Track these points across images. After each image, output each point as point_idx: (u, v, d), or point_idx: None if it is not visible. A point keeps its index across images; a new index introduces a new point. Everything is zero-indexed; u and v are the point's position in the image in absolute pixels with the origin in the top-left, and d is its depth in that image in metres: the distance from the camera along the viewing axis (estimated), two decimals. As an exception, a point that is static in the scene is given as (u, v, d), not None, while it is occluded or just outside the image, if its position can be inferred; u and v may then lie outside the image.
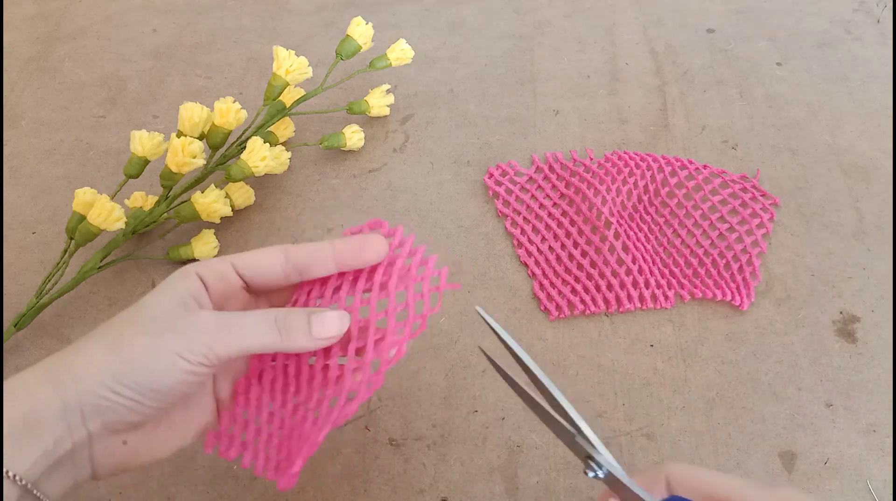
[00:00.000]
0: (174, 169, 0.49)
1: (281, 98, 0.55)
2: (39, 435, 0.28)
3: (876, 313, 0.47)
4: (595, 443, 0.31)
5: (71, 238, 0.48)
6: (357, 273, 0.34)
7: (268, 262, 0.33)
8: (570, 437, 0.31)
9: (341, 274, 0.34)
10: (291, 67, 0.53)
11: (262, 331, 0.31)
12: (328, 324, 0.32)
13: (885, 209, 0.52)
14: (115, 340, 0.30)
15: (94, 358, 0.30)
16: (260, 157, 0.50)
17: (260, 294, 0.35)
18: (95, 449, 0.30)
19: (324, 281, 0.34)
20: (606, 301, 0.47)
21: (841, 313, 0.47)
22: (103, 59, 0.66)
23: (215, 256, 0.51)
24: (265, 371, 0.34)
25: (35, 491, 0.28)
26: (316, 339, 0.32)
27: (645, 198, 0.53)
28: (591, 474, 0.31)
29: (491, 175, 0.55)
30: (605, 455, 0.30)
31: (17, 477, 0.28)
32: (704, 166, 0.55)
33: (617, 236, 0.49)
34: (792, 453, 0.41)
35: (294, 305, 0.34)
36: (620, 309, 0.47)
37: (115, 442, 0.31)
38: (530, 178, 0.55)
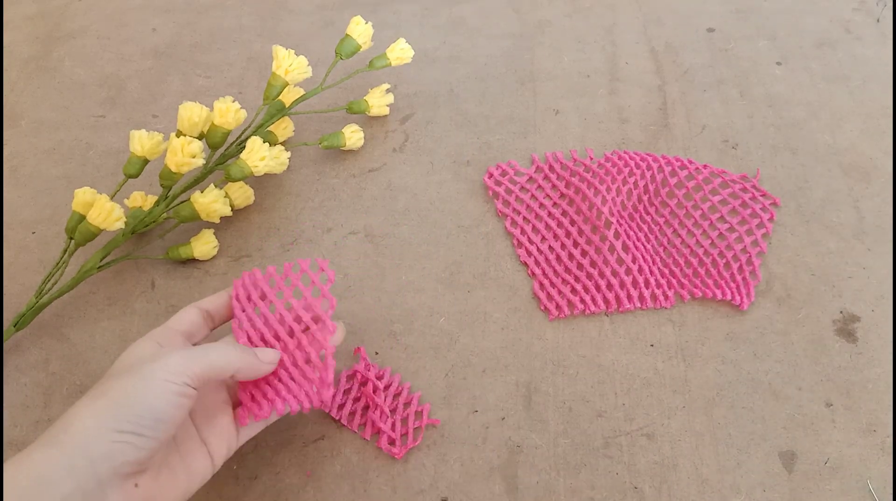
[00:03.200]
0: (174, 169, 0.49)
1: (280, 98, 0.55)
2: (50, 497, 0.29)
3: (876, 312, 0.47)
4: None
5: (71, 238, 0.48)
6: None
7: (192, 316, 0.40)
8: None
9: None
10: (291, 66, 0.53)
11: (224, 347, 0.37)
12: (270, 354, 0.39)
13: (885, 209, 0.52)
14: (99, 392, 0.32)
15: (87, 412, 0.31)
16: (259, 156, 0.50)
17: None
18: (110, 497, 0.31)
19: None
20: (606, 301, 0.47)
21: (841, 312, 0.47)
22: (103, 59, 0.66)
23: (214, 257, 0.51)
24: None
25: None
26: (263, 362, 0.38)
27: (645, 198, 0.53)
28: None
29: (491, 175, 0.55)
30: None
31: None
32: (704, 166, 0.55)
33: (617, 235, 0.49)
34: (792, 453, 0.41)
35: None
36: (620, 309, 0.47)
37: (127, 487, 0.32)
38: (530, 177, 0.55)
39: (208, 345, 0.37)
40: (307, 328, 0.40)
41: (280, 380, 0.39)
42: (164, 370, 0.33)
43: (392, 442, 0.42)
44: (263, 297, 0.41)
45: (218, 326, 0.42)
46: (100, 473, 0.30)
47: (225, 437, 0.38)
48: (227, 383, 0.40)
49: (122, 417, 0.31)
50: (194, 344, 0.39)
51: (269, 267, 0.42)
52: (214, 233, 0.51)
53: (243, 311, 0.41)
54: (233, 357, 0.36)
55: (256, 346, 0.40)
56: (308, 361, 0.39)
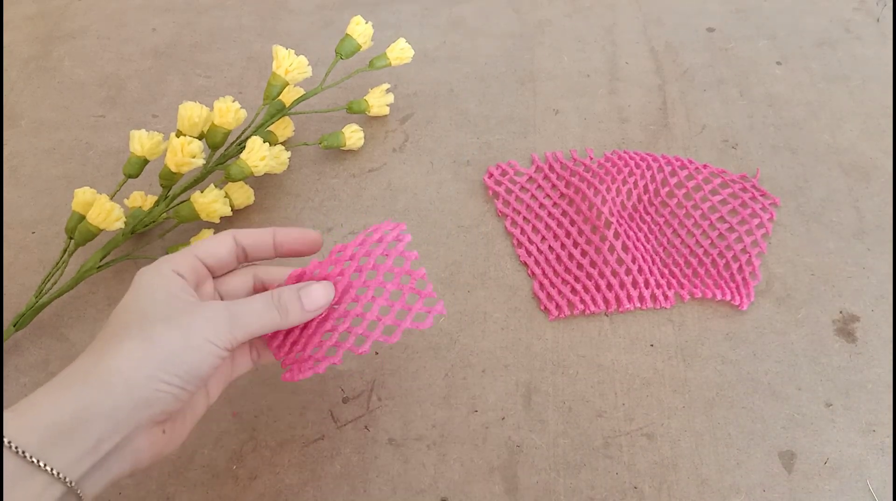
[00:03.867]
0: (173, 169, 0.49)
1: (280, 98, 0.55)
2: (86, 434, 0.29)
3: (876, 312, 0.47)
4: None
5: (70, 238, 0.48)
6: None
7: (223, 248, 0.37)
8: None
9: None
10: (291, 66, 0.53)
11: (265, 313, 0.35)
12: (315, 296, 0.36)
13: (885, 209, 0.52)
14: (148, 336, 0.32)
15: (136, 356, 0.31)
16: (259, 156, 0.50)
17: (217, 278, 0.38)
18: (139, 442, 0.32)
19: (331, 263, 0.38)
20: (606, 301, 0.47)
21: (841, 312, 0.47)
22: (103, 59, 0.66)
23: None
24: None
25: (78, 490, 0.29)
26: (307, 311, 0.36)
27: (645, 198, 0.53)
28: None
29: (491, 175, 0.55)
30: None
31: (61, 475, 0.29)
32: (704, 166, 0.55)
33: (617, 235, 0.49)
34: (792, 452, 0.41)
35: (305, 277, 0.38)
36: (620, 309, 0.47)
37: (156, 433, 0.33)
38: (530, 177, 0.55)
39: (251, 306, 0.35)
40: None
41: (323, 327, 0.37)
42: (212, 332, 0.33)
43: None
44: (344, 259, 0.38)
45: (247, 263, 0.39)
46: (139, 418, 0.31)
47: (223, 376, 0.38)
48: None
49: (171, 370, 0.31)
50: (216, 277, 0.38)
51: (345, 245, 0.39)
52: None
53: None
54: (270, 321, 0.35)
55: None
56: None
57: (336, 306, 0.37)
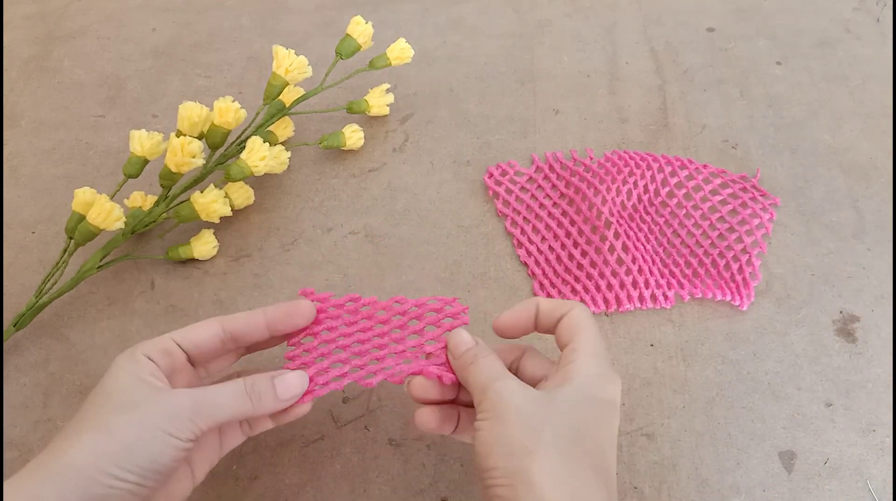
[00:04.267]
0: (173, 169, 0.49)
1: (280, 97, 0.55)
2: None
3: (876, 312, 0.47)
4: None
5: (70, 238, 0.48)
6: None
7: (206, 334, 0.35)
8: None
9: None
10: (291, 66, 0.53)
11: (235, 402, 0.33)
12: (290, 385, 0.34)
13: (885, 209, 0.52)
14: (105, 427, 0.30)
15: (89, 448, 0.30)
16: (259, 156, 0.50)
17: (199, 364, 0.37)
18: None
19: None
20: (606, 301, 0.47)
21: (841, 312, 0.47)
22: (103, 59, 0.66)
23: (213, 257, 0.51)
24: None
25: None
26: (281, 400, 0.34)
27: (645, 198, 0.53)
28: None
29: (491, 175, 0.55)
30: None
31: None
32: (704, 166, 0.55)
33: (617, 235, 0.49)
34: (792, 452, 0.41)
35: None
36: (620, 309, 0.47)
37: None
38: (530, 177, 0.55)
39: (219, 393, 0.33)
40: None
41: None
42: (170, 424, 0.31)
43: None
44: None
45: (242, 355, 0.38)
46: None
47: (209, 455, 0.36)
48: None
49: (125, 466, 0.30)
50: (199, 364, 0.36)
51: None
52: (214, 233, 0.51)
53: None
54: (242, 410, 0.33)
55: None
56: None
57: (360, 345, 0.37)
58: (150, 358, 0.33)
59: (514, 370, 0.36)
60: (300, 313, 0.37)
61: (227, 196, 0.51)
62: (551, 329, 0.36)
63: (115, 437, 0.30)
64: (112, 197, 0.48)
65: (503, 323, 0.36)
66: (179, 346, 0.35)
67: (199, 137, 0.51)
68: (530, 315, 0.36)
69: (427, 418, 0.35)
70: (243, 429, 0.37)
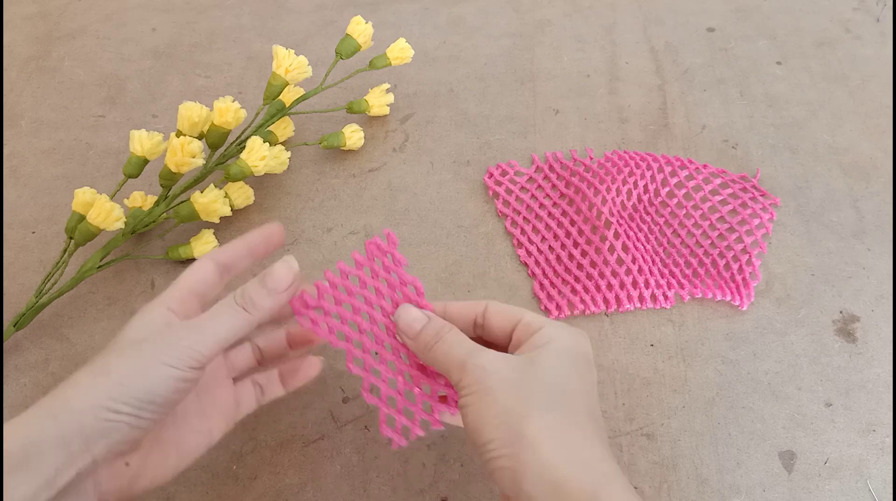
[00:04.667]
0: (173, 169, 0.49)
1: (280, 97, 0.55)
2: (39, 466, 0.29)
3: (876, 312, 0.47)
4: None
5: (70, 238, 0.48)
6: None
7: (205, 270, 0.36)
8: None
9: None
10: (291, 66, 0.53)
11: (229, 315, 0.33)
12: (278, 276, 0.34)
13: (885, 209, 0.52)
14: (101, 367, 0.31)
15: (85, 386, 0.30)
16: (259, 156, 0.50)
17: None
18: (100, 475, 0.31)
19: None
20: (606, 301, 0.47)
21: (841, 312, 0.47)
22: (103, 59, 0.66)
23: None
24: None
25: None
26: (274, 293, 0.34)
27: (645, 198, 0.53)
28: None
29: (491, 175, 0.55)
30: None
31: None
32: (704, 166, 0.55)
33: (617, 235, 0.49)
34: (792, 452, 0.41)
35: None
36: (620, 309, 0.47)
37: (118, 465, 0.32)
38: (530, 177, 0.55)
39: (212, 314, 0.33)
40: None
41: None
42: (168, 354, 0.31)
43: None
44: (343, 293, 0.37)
45: (232, 277, 0.38)
46: (93, 449, 0.30)
47: (224, 410, 0.37)
48: (227, 351, 0.39)
49: (120, 398, 0.30)
50: (207, 303, 0.36)
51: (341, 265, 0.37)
52: (214, 233, 0.51)
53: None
54: (239, 322, 0.33)
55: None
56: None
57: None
58: (169, 308, 0.34)
59: (480, 327, 0.36)
60: (270, 233, 0.38)
61: (227, 196, 0.51)
62: (501, 333, 0.36)
63: (111, 375, 0.30)
64: (112, 197, 0.48)
65: (450, 315, 0.37)
66: (193, 289, 0.35)
67: (199, 137, 0.51)
68: (472, 316, 0.36)
69: None
70: (256, 394, 0.38)
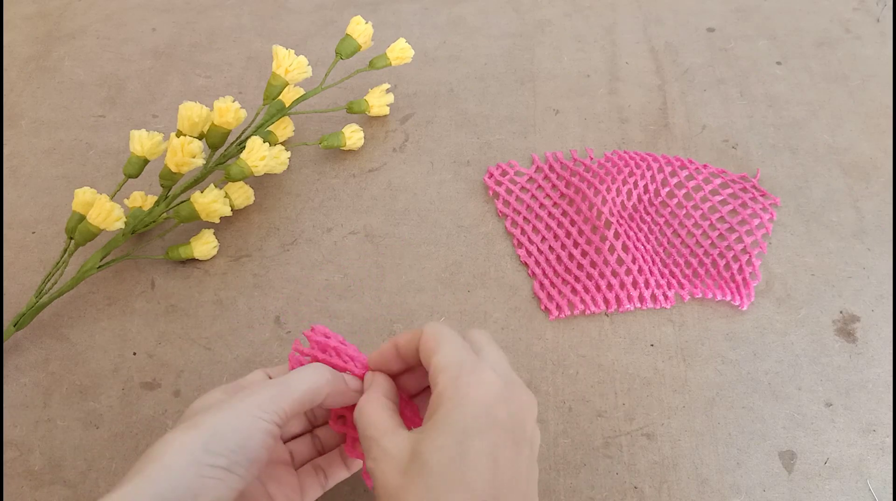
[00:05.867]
0: (173, 169, 0.49)
1: (280, 97, 0.55)
2: None
3: (876, 312, 0.47)
4: None
5: (70, 238, 0.48)
6: None
7: (318, 388, 0.34)
8: None
9: None
10: (291, 66, 0.53)
11: (313, 371, 0.33)
12: (355, 380, 0.35)
13: (885, 209, 0.52)
14: (191, 425, 0.30)
15: (178, 444, 0.29)
16: (259, 156, 0.50)
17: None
18: None
19: None
20: (606, 301, 0.47)
21: (841, 312, 0.47)
22: (103, 59, 0.66)
23: (213, 257, 0.51)
24: None
25: None
26: (352, 389, 0.35)
27: (645, 198, 0.53)
28: None
29: (491, 175, 0.55)
30: None
31: None
32: (704, 166, 0.55)
33: (617, 235, 0.49)
34: (792, 452, 0.41)
35: None
36: (620, 309, 0.47)
37: None
38: (530, 177, 0.55)
39: (293, 375, 0.33)
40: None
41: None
42: (255, 405, 0.31)
43: None
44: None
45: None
46: None
47: (288, 492, 0.35)
48: (288, 442, 0.38)
49: (215, 450, 0.29)
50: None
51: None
52: (214, 233, 0.51)
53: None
54: (322, 382, 0.33)
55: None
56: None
57: None
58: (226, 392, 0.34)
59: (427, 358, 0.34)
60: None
61: (227, 196, 0.51)
62: (415, 358, 0.34)
63: (202, 427, 0.30)
64: (112, 197, 0.48)
65: (373, 364, 0.36)
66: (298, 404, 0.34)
67: (199, 137, 0.51)
68: (392, 354, 0.35)
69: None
70: (320, 480, 0.37)
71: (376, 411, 0.32)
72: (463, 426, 0.29)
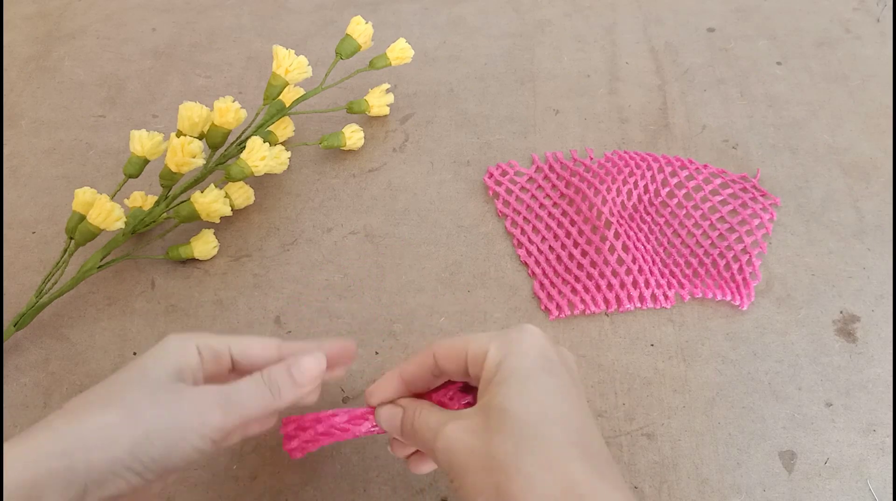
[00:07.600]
0: (174, 169, 0.49)
1: (280, 97, 0.55)
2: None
3: (876, 312, 0.47)
4: None
5: (71, 238, 0.48)
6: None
7: (262, 352, 0.35)
8: None
9: None
10: (291, 66, 0.53)
11: (257, 396, 0.32)
12: (306, 368, 0.34)
13: (885, 209, 0.52)
14: (130, 409, 0.29)
15: (109, 429, 0.29)
16: (259, 156, 0.50)
17: (239, 373, 0.36)
18: None
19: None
20: (606, 301, 0.47)
21: (841, 312, 0.47)
22: (103, 59, 0.66)
23: (214, 257, 0.51)
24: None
25: None
26: (300, 385, 0.34)
27: (645, 198, 0.53)
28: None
29: (491, 175, 0.55)
30: None
31: None
32: (705, 166, 0.55)
33: (617, 235, 0.49)
34: (792, 452, 0.41)
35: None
36: (620, 309, 0.47)
37: None
38: (530, 177, 0.55)
39: (241, 390, 0.32)
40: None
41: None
42: (197, 420, 0.30)
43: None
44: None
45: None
46: (88, 496, 0.28)
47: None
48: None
49: (140, 453, 0.29)
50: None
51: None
52: (214, 233, 0.51)
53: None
54: (264, 404, 0.32)
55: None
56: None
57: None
58: (200, 352, 0.33)
59: (441, 375, 0.34)
60: (346, 352, 0.37)
61: (227, 196, 0.51)
62: (459, 374, 0.33)
63: (138, 424, 0.29)
64: (112, 197, 0.48)
65: (407, 379, 0.34)
66: (232, 354, 0.34)
67: (200, 137, 0.51)
68: (428, 371, 0.34)
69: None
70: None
71: (418, 420, 0.32)
72: (527, 371, 0.30)
